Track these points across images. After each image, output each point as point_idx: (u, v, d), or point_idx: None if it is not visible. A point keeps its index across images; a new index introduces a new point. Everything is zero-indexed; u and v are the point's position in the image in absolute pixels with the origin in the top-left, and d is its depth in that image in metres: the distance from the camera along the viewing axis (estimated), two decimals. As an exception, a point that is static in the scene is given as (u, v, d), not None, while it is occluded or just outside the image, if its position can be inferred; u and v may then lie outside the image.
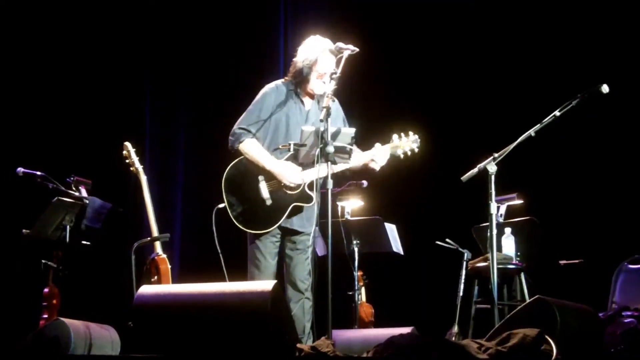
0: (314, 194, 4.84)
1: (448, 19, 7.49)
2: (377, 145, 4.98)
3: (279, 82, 5.09)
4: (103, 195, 5.83)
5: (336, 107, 5.03)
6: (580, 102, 4.77)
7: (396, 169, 7.50)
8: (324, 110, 4.54)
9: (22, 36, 7.12)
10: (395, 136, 4.99)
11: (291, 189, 4.88)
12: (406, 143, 5.00)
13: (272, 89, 5.04)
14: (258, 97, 5.04)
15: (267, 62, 7.55)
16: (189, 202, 7.54)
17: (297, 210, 4.90)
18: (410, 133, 5.02)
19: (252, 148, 4.92)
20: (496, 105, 7.26)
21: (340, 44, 4.76)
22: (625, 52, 6.82)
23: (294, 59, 5.05)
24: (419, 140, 5.03)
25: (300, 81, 5.00)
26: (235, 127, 4.97)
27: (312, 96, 5.06)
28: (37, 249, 5.74)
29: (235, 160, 4.97)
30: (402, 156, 5.02)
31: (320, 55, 4.94)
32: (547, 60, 7.11)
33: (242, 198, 4.91)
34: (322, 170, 4.62)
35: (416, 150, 5.03)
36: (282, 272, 4.98)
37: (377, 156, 4.95)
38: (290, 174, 4.85)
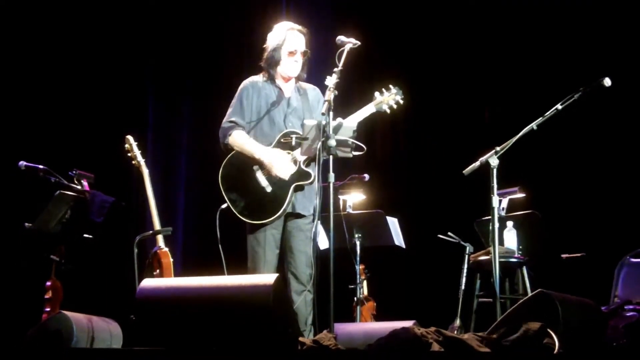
0: (311, 171, 4.87)
1: (450, 13, 7.48)
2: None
3: (254, 76, 5.14)
4: (105, 189, 5.82)
5: (315, 94, 5.09)
6: (582, 95, 4.77)
7: (398, 162, 7.57)
8: (326, 103, 4.55)
9: (24, 30, 7.12)
10: (377, 93, 4.97)
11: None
12: (389, 97, 4.97)
13: (248, 83, 5.10)
14: (236, 93, 5.09)
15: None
16: (191, 195, 7.54)
17: (299, 189, 4.92)
18: (391, 86, 4.98)
19: (240, 139, 4.95)
20: (498, 98, 7.26)
21: (342, 38, 4.76)
22: (628, 46, 6.81)
23: (264, 46, 5.09)
24: (401, 91, 4.99)
25: (272, 64, 5.03)
26: (222, 124, 5.03)
27: (288, 81, 5.08)
28: (39, 243, 5.75)
29: (227, 157, 4.98)
30: (388, 111, 4.98)
31: (288, 33, 5.02)
32: (550, 53, 7.10)
33: (242, 192, 4.92)
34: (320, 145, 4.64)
35: (401, 102, 4.99)
36: (283, 265, 4.98)
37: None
38: (280, 167, 4.86)
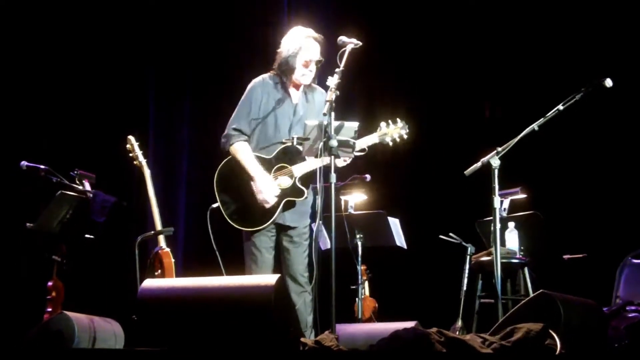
0: (305, 189, 4.87)
1: (450, 13, 7.48)
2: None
3: (265, 75, 5.10)
4: (107, 188, 5.83)
5: (322, 98, 5.02)
6: (583, 96, 4.77)
7: (399, 162, 7.56)
8: (327, 104, 4.54)
9: (25, 29, 7.11)
10: (383, 124, 4.97)
11: (282, 183, 4.88)
12: (394, 130, 4.97)
13: (258, 83, 5.05)
14: (245, 93, 5.06)
15: (271, 55, 7.53)
16: (192, 195, 7.54)
17: (290, 205, 4.91)
18: (398, 120, 4.99)
19: (241, 152, 4.92)
20: (500, 98, 7.25)
21: (344, 38, 4.74)
22: (629, 46, 6.80)
23: (278, 50, 5.05)
24: (407, 126, 5.00)
25: (286, 71, 4.99)
26: (227, 128, 4.99)
27: (298, 87, 5.05)
28: (41, 243, 5.75)
29: (226, 159, 4.98)
30: (391, 144, 4.99)
31: (304, 42, 4.97)
32: (551, 54, 7.09)
33: (235, 196, 4.91)
34: (320, 162, 4.66)
35: (405, 136, 4.99)
36: (280, 266, 4.98)
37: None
38: (264, 197, 4.84)
